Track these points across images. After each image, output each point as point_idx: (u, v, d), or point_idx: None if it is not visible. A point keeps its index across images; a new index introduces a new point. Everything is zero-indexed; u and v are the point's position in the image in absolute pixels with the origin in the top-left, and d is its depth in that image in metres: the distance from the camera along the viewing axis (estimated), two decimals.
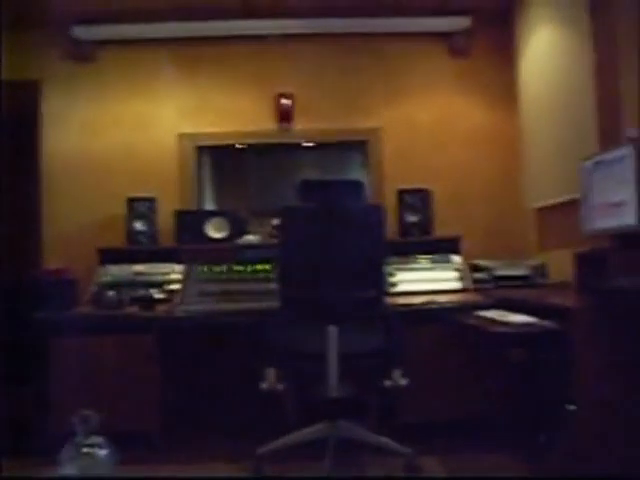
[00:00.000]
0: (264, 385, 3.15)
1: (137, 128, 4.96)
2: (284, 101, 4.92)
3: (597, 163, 3.18)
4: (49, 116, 5.02)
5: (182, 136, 4.94)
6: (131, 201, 4.58)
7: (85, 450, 1.31)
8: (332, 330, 3.04)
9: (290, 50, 4.97)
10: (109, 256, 4.38)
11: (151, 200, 4.62)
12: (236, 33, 4.89)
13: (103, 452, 1.32)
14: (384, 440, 3.14)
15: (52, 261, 4.79)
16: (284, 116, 4.93)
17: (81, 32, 4.86)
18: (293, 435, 3.16)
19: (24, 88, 5.06)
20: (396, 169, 4.90)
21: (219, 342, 4.20)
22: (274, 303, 3.23)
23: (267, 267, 4.20)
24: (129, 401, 3.54)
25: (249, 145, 5.04)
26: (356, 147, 5.06)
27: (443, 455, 3.30)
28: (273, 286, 3.49)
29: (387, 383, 3.17)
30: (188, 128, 4.95)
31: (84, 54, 4.97)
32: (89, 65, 4.99)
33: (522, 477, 3.02)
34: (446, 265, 4.30)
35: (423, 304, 3.67)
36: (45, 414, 3.56)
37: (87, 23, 4.83)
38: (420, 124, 4.99)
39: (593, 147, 3.44)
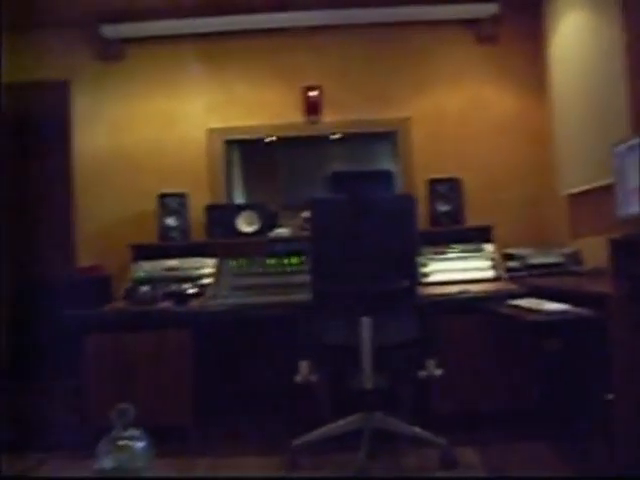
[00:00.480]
0: (298, 378, 3.15)
1: (166, 124, 5.00)
2: (311, 93, 4.92)
3: (630, 147, 3.12)
4: (79, 115, 5.08)
5: (211, 131, 4.97)
6: (162, 197, 4.62)
7: (122, 443, 1.32)
8: (365, 321, 3.03)
9: (316, 42, 4.96)
10: (142, 252, 4.41)
11: (182, 195, 4.65)
12: (262, 27, 4.89)
13: (140, 445, 1.33)
14: (419, 431, 3.12)
15: (86, 258, 4.86)
16: (312, 108, 4.93)
17: (108, 31, 4.91)
18: (327, 427, 3.15)
19: (53, 88, 5.13)
20: (426, 158, 4.87)
21: (252, 335, 4.22)
22: (306, 296, 3.23)
23: (298, 260, 4.21)
24: (163, 395, 3.56)
25: (277, 138, 5.04)
26: (384, 137, 5.04)
27: (479, 446, 3.27)
28: (305, 279, 3.48)
29: (421, 374, 3.15)
30: (216, 123, 4.97)
31: (112, 52, 5.02)
32: (117, 63, 5.04)
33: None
34: (479, 254, 4.26)
35: (456, 294, 3.64)
36: (80, 409, 3.61)
37: (114, 22, 4.87)
38: (449, 113, 4.95)
39: (625, 131, 3.38)
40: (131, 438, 1.33)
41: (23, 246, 6.57)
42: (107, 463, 1.32)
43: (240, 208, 4.68)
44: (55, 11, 4.78)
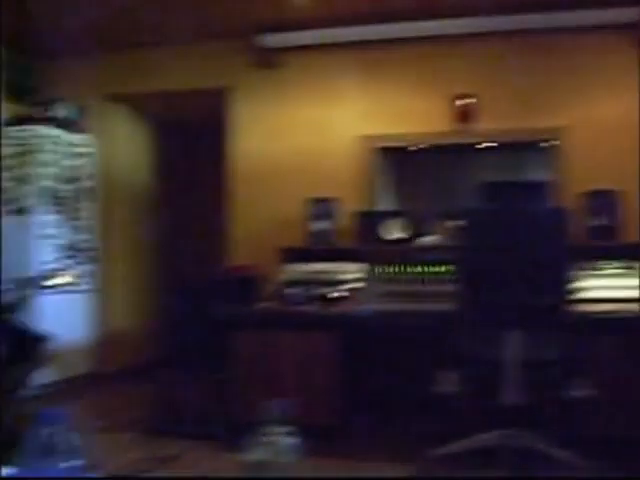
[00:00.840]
0: (439, 388, 3.13)
1: (319, 131, 5.13)
2: (462, 101, 4.87)
3: None
4: (236, 122, 5.32)
5: (361, 138, 5.04)
6: (312, 202, 4.75)
7: (270, 438, 1.39)
8: (515, 335, 2.96)
9: (466, 49, 4.91)
10: (290, 255, 4.55)
11: (331, 201, 4.76)
12: (412, 35, 4.90)
13: (287, 441, 1.39)
14: (565, 454, 2.99)
15: (237, 259, 5.09)
16: (462, 116, 4.88)
17: (267, 40, 5.11)
18: (466, 441, 3.10)
19: (213, 96, 5.42)
20: (581, 170, 4.66)
21: (396, 342, 4.23)
22: (452, 305, 3.20)
23: (446, 269, 4.17)
24: (308, 395, 3.63)
25: (426, 146, 5.03)
26: (534, 147, 4.89)
27: (628, 471, 3.10)
28: (452, 288, 3.46)
29: (567, 393, 3.04)
30: (367, 130, 5.03)
31: (270, 61, 5.21)
32: (274, 71, 5.23)
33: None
34: (635, 272, 4.04)
35: (609, 312, 3.49)
36: (226, 402, 3.78)
37: (273, 31, 5.06)
38: (606, 122, 4.72)
39: None
40: (279, 434, 1.40)
41: (181, 245, 6.99)
42: (253, 456, 1.40)
43: (388, 215, 4.71)
44: (216, 23, 5.05)
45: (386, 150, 5.10)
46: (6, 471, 1.49)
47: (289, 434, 1.42)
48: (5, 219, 4.89)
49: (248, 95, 5.30)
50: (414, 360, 4.06)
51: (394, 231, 4.58)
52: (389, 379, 4.28)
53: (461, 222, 3.30)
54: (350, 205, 4.84)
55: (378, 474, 3.21)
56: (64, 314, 5.07)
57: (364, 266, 4.30)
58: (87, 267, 5.49)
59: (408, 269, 4.22)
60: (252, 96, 5.29)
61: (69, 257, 5.24)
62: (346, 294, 4.10)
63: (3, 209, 4.92)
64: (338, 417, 3.67)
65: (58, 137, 5.20)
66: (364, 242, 4.56)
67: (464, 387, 3.13)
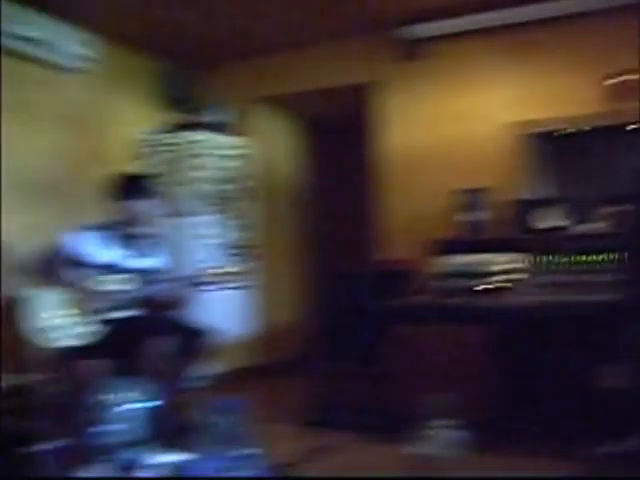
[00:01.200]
0: (605, 382, 2.98)
1: (467, 120, 5.03)
2: (617, 79, 4.58)
3: None
4: (383, 115, 5.33)
5: (511, 125, 4.87)
6: (463, 192, 4.66)
7: (437, 430, 1.38)
8: None
9: (616, 26, 4.57)
10: (441, 247, 4.49)
11: (481, 190, 4.65)
12: (560, 13, 4.68)
13: (455, 434, 1.38)
14: None
15: (389, 252, 5.10)
16: (616, 96, 4.59)
17: (411, 32, 5.06)
18: (635, 440, 2.92)
19: (361, 91, 5.46)
20: None
21: (553, 334, 4.07)
22: (615, 295, 3.03)
23: (603, 257, 3.97)
24: (465, 389, 3.56)
25: (579, 129, 4.78)
26: None
27: None
28: (611, 277, 3.27)
29: None
30: (517, 116, 4.86)
31: (416, 52, 5.17)
32: (421, 62, 5.18)
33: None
34: None
35: None
36: (383, 395, 3.80)
37: (417, 21, 5.01)
38: None
39: None
40: (446, 427, 1.38)
41: (336, 239, 7.10)
42: (423, 448, 1.39)
43: (542, 203, 4.54)
44: (359, 18, 5.08)
45: (537, 136, 4.91)
46: (179, 457, 1.58)
47: (453, 428, 1.41)
48: (168, 221, 5.19)
49: (393, 89, 5.29)
50: (573, 354, 3.89)
51: (549, 219, 4.41)
52: (547, 373, 4.12)
53: (625, 207, 3.12)
54: (501, 194, 4.70)
55: (541, 473, 3.08)
56: (226, 310, 5.30)
57: (518, 256, 4.18)
58: (247, 264, 5.70)
59: (564, 258, 4.05)
60: (398, 89, 5.27)
61: (230, 255, 5.47)
62: (500, 286, 3.99)
63: (166, 212, 5.22)
64: (495, 411, 3.58)
65: (215, 141, 5.43)
66: (517, 232, 4.42)
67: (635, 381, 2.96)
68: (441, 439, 1.40)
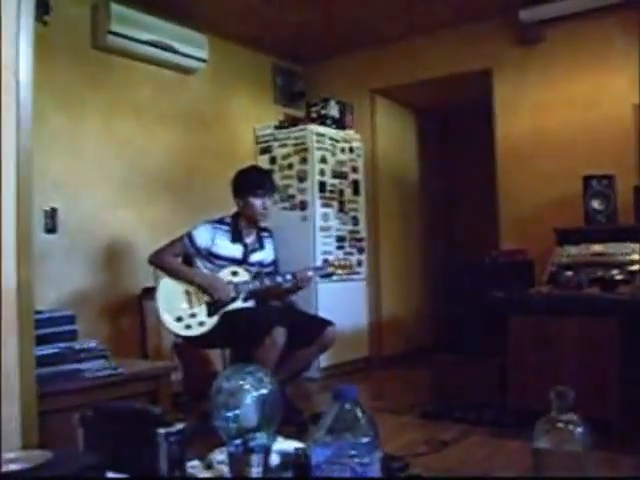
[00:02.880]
0: None
1: (589, 103, 4.82)
2: None
3: None
4: (501, 101, 5.20)
5: (637, 107, 4.62)
6: (587, 179, 4.45)
7: (560, 425, 1.32)
8: None
9: None
10: (566, 236, 4.32)
11: (608, 177, 4.42)
12: None
13: (578, 430, 1.32)
14: None
15: (509, 242, 4.97)
16: None
17: (527, 15, 4.90)
18: None
19: (477, 77, 5.35)
20: None
21: None
22: None
23: None
24: (587, 383, 3.44)
25: None
26: None
27: None
28: None
29: None
30: None
31: (532, 36, 5.02)
32: (538, 46, 5.03)
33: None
34: None
35: None
36: (503, 388, 3.71)
37: (532, 5, 4.84)
38: None
39: None
40: (569, 422, 1.33)
41: (452, 229, 7.02)
42: (543, 443, 1.34)
43: None
44: (473, 3, 4.96)
45: None
46: (294, 445, 1.60)
47: (578, 423, 1.35)
48: (288, 214, 5.30)
49: (514, 73, 5.15)
50: None
51: None
52: None
53: None
54: (629, 181, 4.44)
55: None
56: (341, 302, 5.35)
57: None
58: (361, 256, 5.74)
59: None
60: (518, 74, 5.12)
61: (343, 247, 5.52)
62: (628, 277, 3.79)
63: (286, 204, 5.33)
64: (615, 410, 3.40)
65: (329, 134, 5.49)
66: None
67: None
68: (566, 434, 1.34)
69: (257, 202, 3.74)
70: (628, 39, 4.65)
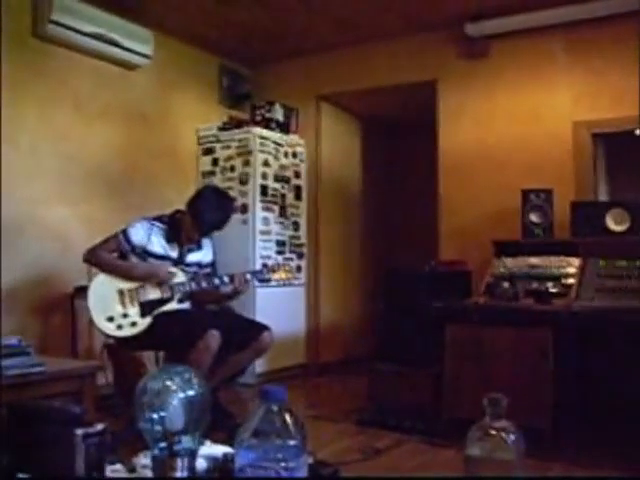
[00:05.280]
0: None
1: (530, 118, 4.90)
2: None
3: None
4: (444, 113, 5.25)
5: (576, 124, 4.73)
6: (526, 193, 4.52)
7: (492, 432, 1.31)
8: None
9: None
10: (504, 248, 4.36)
11: (546, 192, 4.50)
12: (624, 10, 4.45)
13: (511, 437, 1.30)
14: None
15: (448, 252, 5.01)
16: None
17: (473, 29, 4.97)
18: None
19: (423, 88, 5.38)
20: None
21: (616, 341, 3.92)
22: None
23: None
24: (520, 393, 3.44)
25: None
26: None
27: None
28: None
29: None
30: (583, 115, 4.72)
31: (477, 50, 5.08)
32: (482, 60, 5.09)
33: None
34: None
35: None
36: (437, 396, 3.73)
37: (478, 19, 4.92)
38: None
39: None
40: (502, 429, 1.31)
41: (392, 238, 7.04)
42: (474, 451, 1.32)
43: (608, 205, 4.37)
44: (422, 15, 5.00)
45: (606, 136, 4.75)
46: (222, 449, 1.55)
47: (511, 431, 1.34)
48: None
49: (458, 86, 5.20)
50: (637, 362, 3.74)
51: (615, 223, 4.24)
52: (607, 380, 3.97)
53: None
54: (568, 195, 4.54)
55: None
56: (279, 307, 5.30)
57: (583, 260, 4.04)
58: (299, 262, 5.70)
59: (632, 263, 3.89)
60: (462, 86, 5.18)
61: (283, 252, 5.47)
62: (562, 290, 3.86)
63: None
64: (547, 418, 3.45)
65: (273, 137, 5.44)
66: (582, 235, 4.26)
67: None
68: (497, 442, 1.33)
69: (207, 234, 3.70)
70: (570, 57, 4.77)
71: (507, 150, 4.94)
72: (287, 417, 1.11)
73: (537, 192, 4.49)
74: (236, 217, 5.18)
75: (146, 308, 3.48)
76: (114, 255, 3.57)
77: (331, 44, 5.58)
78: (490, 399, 1.31)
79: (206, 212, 3.59)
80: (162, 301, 3.52)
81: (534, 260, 4.18)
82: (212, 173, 5.44)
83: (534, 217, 4.46)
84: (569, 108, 4.77)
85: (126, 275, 3.49)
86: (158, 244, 3.59)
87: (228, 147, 5.38)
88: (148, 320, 3.46)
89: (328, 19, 5.05)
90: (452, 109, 5.21)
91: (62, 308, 4.37)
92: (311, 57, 5.82)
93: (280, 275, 3.83)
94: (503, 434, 1.30)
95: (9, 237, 4.14)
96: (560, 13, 4.68)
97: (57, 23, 4.28)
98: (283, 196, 5.54)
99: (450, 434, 3.40)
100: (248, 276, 3.71)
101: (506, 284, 3.84)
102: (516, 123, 4.94)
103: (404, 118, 6.61)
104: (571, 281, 3.91)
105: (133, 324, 3.44)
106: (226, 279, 3.63)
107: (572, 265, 4.04)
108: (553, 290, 3.83)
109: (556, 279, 3.97)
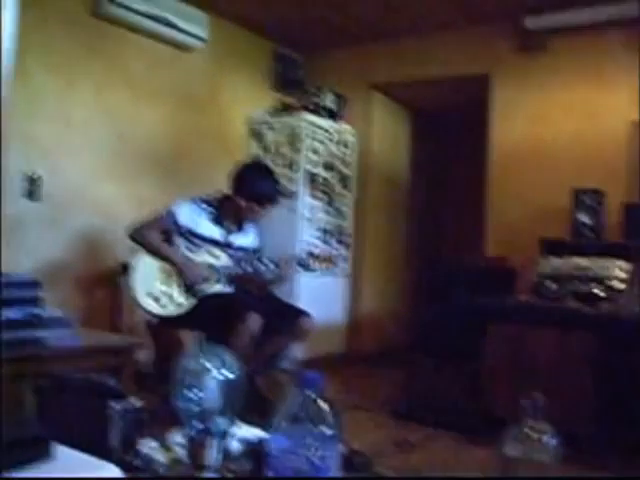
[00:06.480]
0: None
1: (586, 116, 4.78)
2: None
3: None
4: (497, 107, 5.16)
5: (634, 124, 4.59)
6: (577, 192, 4.42)
7: (531, 434, 1.28)
8: None
9: None
10: (552, 247, 4.28)
11: (598, 192, 4.39)
12: None
13: (549, 439, 1.28)
14: None
15: (494, 249, 4.93)
16: None
17: (532, 22, 4.86)
18: None
19: (475, 82, 5.30)
20: None
21: None
22: None
23: None
24: (560, 396, 3.39)
25: None
26: None
27: None
28: None
29: None
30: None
31: (534, 44, 4.97)
32: (539, 55, 4.98)
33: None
34: None
35: None
36: (475, 394, 3.68)
37: (538, 13, 4.80)
38: None
39: None
40: (540, 431, 1.28)
41: (439, 231, 6.98)
42: (512, 451, 1.30)
43: None
44: (478, 6, 4.91)
45: None
46: (256, 433, 1.55)
47: (550, 432, 1.31)
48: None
49: (512, 80, 5.10)
50: None
51: None
52: None
53: None
54: (620, 197, 4.42)
55: None
56: (321, 295, 5.30)
57: (633, 264, 3.93)
58: (344, 251, 5.68)
59: None
60: (516, 81, 5.08)
61: (329, 241, 5.46)
62: (608, 294, 3.76)
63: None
64: (588, 425, 3.37)
65: (323, 125, 5.42)
66: (634, 238, 4.15)
67: None
68: (537, 442, 1.30)
69: (261, 211, 3.66)
70: (630, 55, 4.63)
71: (559, 148, 4.83)
72: (323, 405, 1.10)
73: (589, 192, 4.39)
74: (283, 204, 5.20)
75: (190, 289, 3.51)
76: (159, 236, 3.59)
77: (384, 33, 5.52)
78: (529, 400, 1.28)
79: (257, 182, 3.59)
80: (209, 282, 3.54)
81: (582, 261, 4.07)
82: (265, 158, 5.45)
83: (585, 218, 4.36)
84: (626, 108, 4.63)
85: (164, 260, 3.51)
86: (204, 226, 3.60)
87: (278, 132, 5.38)
88: (192, 301, 3.49)
89: (380, 7, 4.99)
90: (505, 103, 5.11)
91: (107, 284, 4.44)
92: (364, 45, 5.77)
93: (323, 264, 3.82)
94: (542, 436, 1.28)
95: (57, 211, 4.22)
96: (620, 9, 4.54)
97: (116, 3, 4.32)
98: (331, 185, 5.52)
99: (485, 432, 3.35)
100: (292, 263, 3.70)
101: (552, 284, 3.77)
102: (571, 120, 4.83)
103: (454, 111, 6.52)
104: (620, 285, 3.81)
105: (177, 304, 3.47)
106: (271, 265, 3.63)
107: (622, 269, 3.93)
108: (601, 293, 3.74)
109: (604, 282, 3.87)
